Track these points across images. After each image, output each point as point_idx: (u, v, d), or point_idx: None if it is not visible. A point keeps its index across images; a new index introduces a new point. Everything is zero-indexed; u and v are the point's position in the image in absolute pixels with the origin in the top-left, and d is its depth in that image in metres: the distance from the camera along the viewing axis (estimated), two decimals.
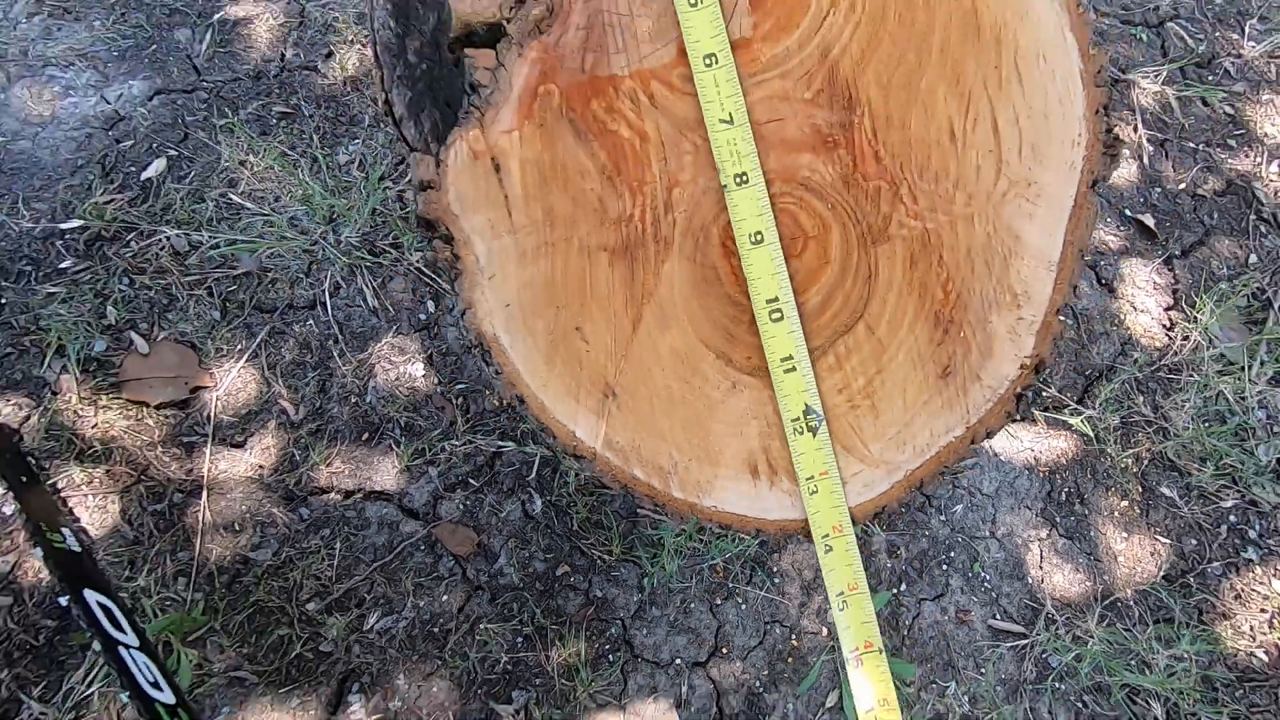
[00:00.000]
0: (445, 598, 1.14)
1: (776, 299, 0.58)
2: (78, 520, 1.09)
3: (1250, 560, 1.32)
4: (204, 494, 1.14)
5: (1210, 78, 1.81)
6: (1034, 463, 1.35)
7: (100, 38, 1.40)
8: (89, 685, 1.01)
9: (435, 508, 1.19)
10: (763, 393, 0.62)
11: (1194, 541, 1.33)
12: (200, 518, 1.13)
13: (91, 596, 0.93)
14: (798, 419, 0.60)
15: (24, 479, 1.00)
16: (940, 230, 0.59)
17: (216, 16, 1.46)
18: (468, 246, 0.62)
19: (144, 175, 1.31)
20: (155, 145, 1.34)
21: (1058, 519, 1.32)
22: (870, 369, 0.60)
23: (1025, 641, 1.21)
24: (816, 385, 0.60)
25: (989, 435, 0.60)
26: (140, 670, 0.93)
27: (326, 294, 1.28)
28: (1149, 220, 1.62)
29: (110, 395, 1.17)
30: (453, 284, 0.64)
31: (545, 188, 0.62)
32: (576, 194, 0.62)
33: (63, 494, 1.09)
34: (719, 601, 1.19)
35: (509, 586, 1.16)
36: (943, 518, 1.29)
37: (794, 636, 1.18)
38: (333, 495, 1.18)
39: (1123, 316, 1.51)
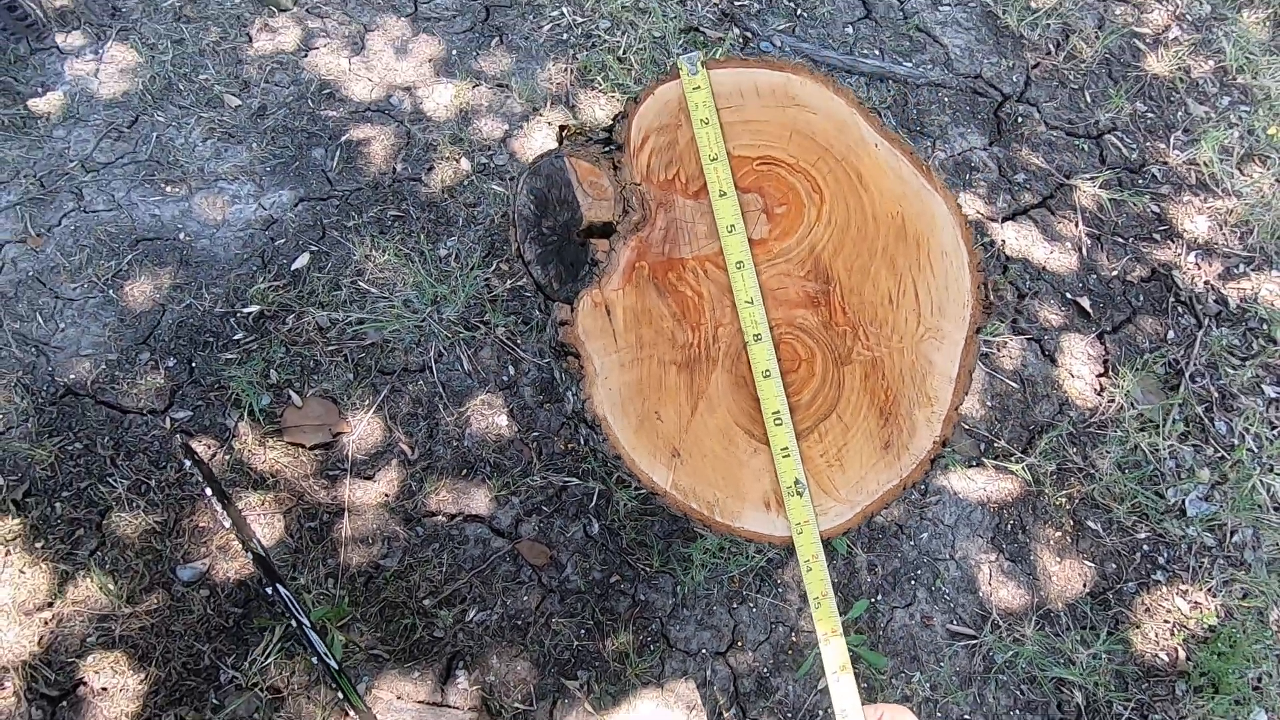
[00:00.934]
0: (525, 598, 1.49)
1: (778, 411, 0.94)
2: (255, 534, 1.45)
3: (1159, 581, 1.66)
4: (345, 515, 1.50)
5: (1140, 181, 2.19)
6: (986, 500, 1.70)
7: (257, 157, 1.80)
8: (268, 656, 1.36)
9: (517, 528, 1.55)
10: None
11: (1113, 565, 1.67)
12: (343, 533, 1.49)
13: (281, 589, 1.29)
14: (790, 486, 0.96)
15: (225, 501, 1.37)
16: (883, 358, 0.96)
17: (344, 138, 1.86)
18: (589, 361, 0.99)
19: (294, 266, 1.70)
20: (301, 242, 1.73)
21: (1004, 546, 1.66)
22: (840, 442, 0.96)
23: (975, 641, 1.55)
24: (801, 458, 0.96)
25: (914, 485, 0.96)
26: (316, 644, 1.28)
27: (433, 360, 1.66)
28: (1085, 302, 1.98)
29: (274, 439, 1.53)
30: (577, 384, 1.01)
31: (637, 324, 1.00)
32: (657, 328, 0.99)
33: (244, 514, 1.46)
34: (735, 605, 1.53)
35: (574, 590, 1.51)
36: (912, 543, 1.64)
37: (793, 634, 1.52)
38: (440, 517, 1.54)
39: (1061, 382, 1.87)
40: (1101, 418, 1.82)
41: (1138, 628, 1.60)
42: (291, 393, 1.58)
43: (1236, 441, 1.80)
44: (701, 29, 2.16)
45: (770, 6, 2.26)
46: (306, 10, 2.02)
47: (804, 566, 0.96)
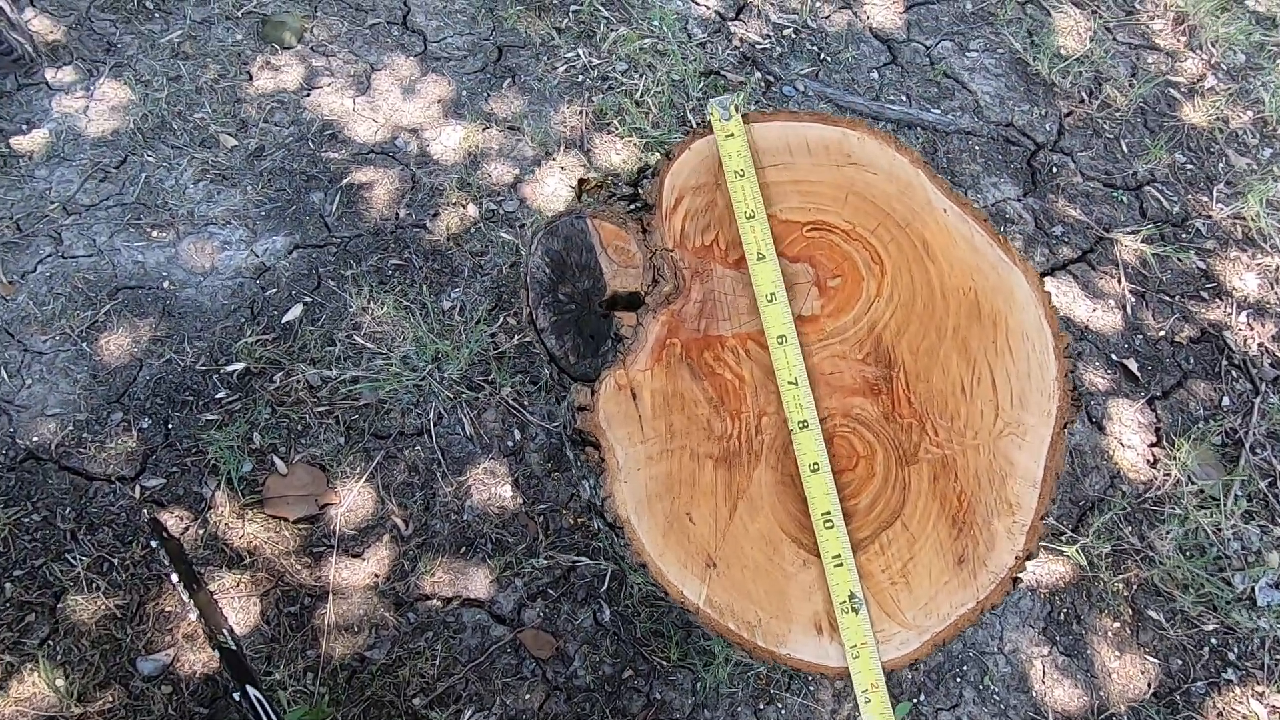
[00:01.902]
0: (528, 696, 1.33)
1: (829, 512, 0.80)
2: (227, 620, 1.30)
3: (1230, 681, 1.49)
4: (329, 598, 1.35)
5: (1184, 236, 2.08)
6: (1036, 586, 1.55)
7: (251, 200, 1.70)
8: None
9: (520, 614, 1.39)
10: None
11: (1179, 662, 1.51)
12: (326, 620, 1.33)
13: (251, 691, 1.13)
14: (844, 601, 0.81)
15: (194, 585, 1.22)
16: (955, 456, 0.82)
17: (344, 181, 1.76)
18: (611, 452, 0.86)
19: (285, 319, 1.57)
20: (294, 292, 1.61)
21: (1058, 638, 1.50)
22: (905, 555, 0.82)
23: None
24: (859, 571, 0.82)
25: (993, 608, 0.81)
26: None
27: (432, 423, 1.52)
28: (1133, 365, 1.85)
29: (254, 510, 1.39)
30: (596, 479, 0.87)
31: (667, 410, 0.86)
32: (690, 416, 0.86)
33: (216, 597, 1.30)
34: (762, 706, 1.37)
35: (582, 688, 1.35)
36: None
37: None
38: (434, 601, 1.38)
39: (1111, 452, 1.73)
40: (1157, 493, 1.67)
41: None
42: (276, 458, 1.44)
43: None
44: (723, 72, 2.08)
45: (793, 50, 2.18)
46: (311, 48, 1.94)
47: (861, 698, 0.81)
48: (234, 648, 1.23)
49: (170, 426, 1.45)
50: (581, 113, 1.94)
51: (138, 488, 1.39)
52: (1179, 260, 2.02)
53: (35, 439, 1.41)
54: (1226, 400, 1.83)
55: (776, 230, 0.86)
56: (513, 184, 1.82)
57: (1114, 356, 1.86)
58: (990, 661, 1.46)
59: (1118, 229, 2.04)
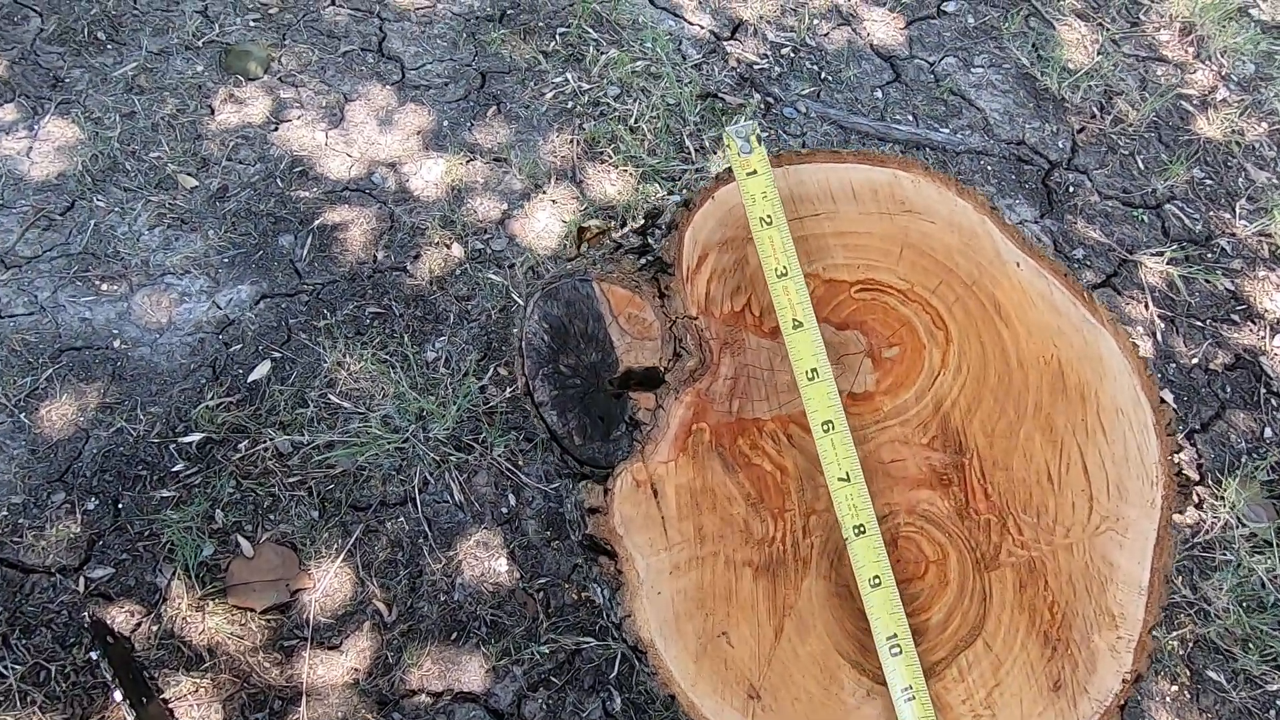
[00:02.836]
0: None
1: (895, 635, 0.66)
2: None
3: None
4: (303, 701, 1.19)
5: (1209, 256, 1.98)
6: None
7: (213, 246, 1.55)
8: None
9: (520, 707, 1.24)
10: None
11: None
12: None
13: None
14: None
15: (144, 698, 1.05)
16: (1044, 558, 0.69)
17: (316, 222, 1.61)
18: (630, 563, 0.71)
19: (251, 378, 1.42)
20: (261, 348, 1.46)
21: None
22: (990, 681, 0.68)
23: None
24: (935, 703, 0.67)
25: None
26: None
27: (416, 491, 1.37)
28: (1168, 395, 1.74)
29: (216, 601, 1.23)
30: (613, 594, 0.72)
31: (696, 509, 0.72)
32: (724, 515, 0.72)
33: (171, 706, 1.14)
34: None
35: None
36: None
37: None
38: (423, 698, 1.22)
39: None
40: (1206, 538, 1.54)
41: None
42: (241, 539, 1.28)
43: None
44: (720, 95, 1.96)
45: (792, 70, 2.07)
46: (279, 79, 1.80)
47: None
48: None
49: (120, 507, 1.29)
50: (572, 141, 1.82)
51: (81, 580, 1.22)
52: (1206, 281, 1.91)
53: None
54: (1269, 431, 1.72)
55: (820, 292, 0.72)
56: (500, 220, 1.68)
57: None
58: None
59: (1141, 250, 1.94)
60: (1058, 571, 0.69)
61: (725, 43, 2.08)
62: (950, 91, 2.12)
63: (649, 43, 1.99)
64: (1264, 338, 1.85)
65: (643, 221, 0.90)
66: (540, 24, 1.99)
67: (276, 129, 1.72)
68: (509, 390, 1.47)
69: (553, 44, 1.95)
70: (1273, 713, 1.39)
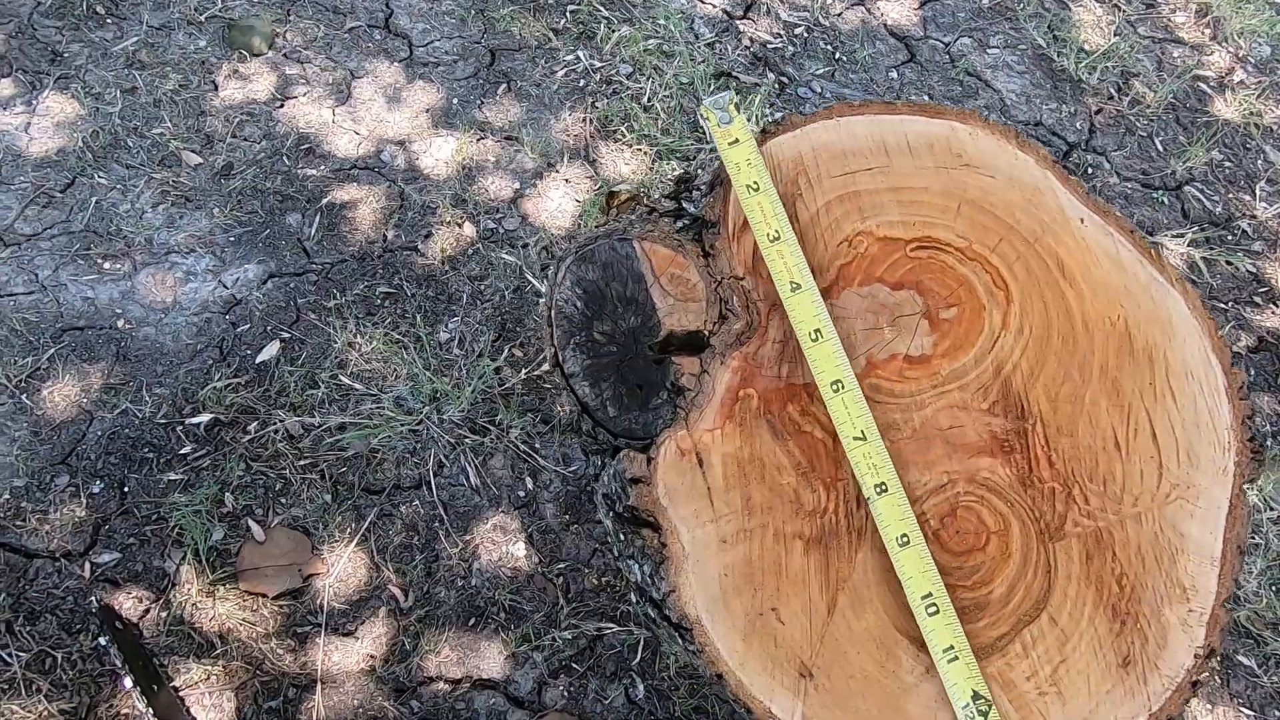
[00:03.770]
0: None
1: (930, 594, 0.63)
2: None
3: None
4: (318, 688, 1.15)
5: (1230, 238, 1.95)
6: None
7: (219, 224, 1.50)
8: None
9: (540, 694, 1.20)
10: None
11: (1277, 713, 1.35)
12: (314, 714, 1.13)
13: None
14: (967, 705, 0.64)
15: (155, 686, 1.02)
16: (1112, 529, 0.66)
17: (324, 201, 1.57)
18: (674, 535, 0.68)
19: (259, 359, 1.38)
20: (269, 328, 1.41)
21: None
22: (1055, 657, 0.65)
23: None
24: (1002, 684, 0.64)
25: None
26: None
27: (431, 473, 1.33)
28: None
29: (227, 586, 1.19)
30: (657, 569, 0.69)
31: (744, 479, 0.69)
32: (773, 486, 0.68)
33: (182, 694, 1.10)
34: None
35: None
36: None
37: None
38: (441, 685, 1.19)
39: None
40: None
41: None
42: (251, 523, 1.24)
43: None
44: (734, 74, 1.92)
45: (806, 50, 2.03)
46: (284, 55, 1.76)
47: None
48: None
49: (126, 490, 1.25)
50: (585, 119, 1.78)
51: (87, 565, 1.18)
52: (1228, 264, 1.89)
53: None
54: None
55: (874, 250, 0.69)
56: (512, 199, 1.64)
57: None
58: None
59: (1161, 232, 1.91)
60: (1126, 542, 0.66)
61: (738, 21, 2.04)
62: (966, 72, 2.09)
63: (661, 20, 1.95)
64: None
65: (675, 187, 0.87)
66: (550, 1, 1.95)
67: (282, 106, 1.68)
68: (524, 371, 1.44)
69: (563, 21, 1.91)
70: None
